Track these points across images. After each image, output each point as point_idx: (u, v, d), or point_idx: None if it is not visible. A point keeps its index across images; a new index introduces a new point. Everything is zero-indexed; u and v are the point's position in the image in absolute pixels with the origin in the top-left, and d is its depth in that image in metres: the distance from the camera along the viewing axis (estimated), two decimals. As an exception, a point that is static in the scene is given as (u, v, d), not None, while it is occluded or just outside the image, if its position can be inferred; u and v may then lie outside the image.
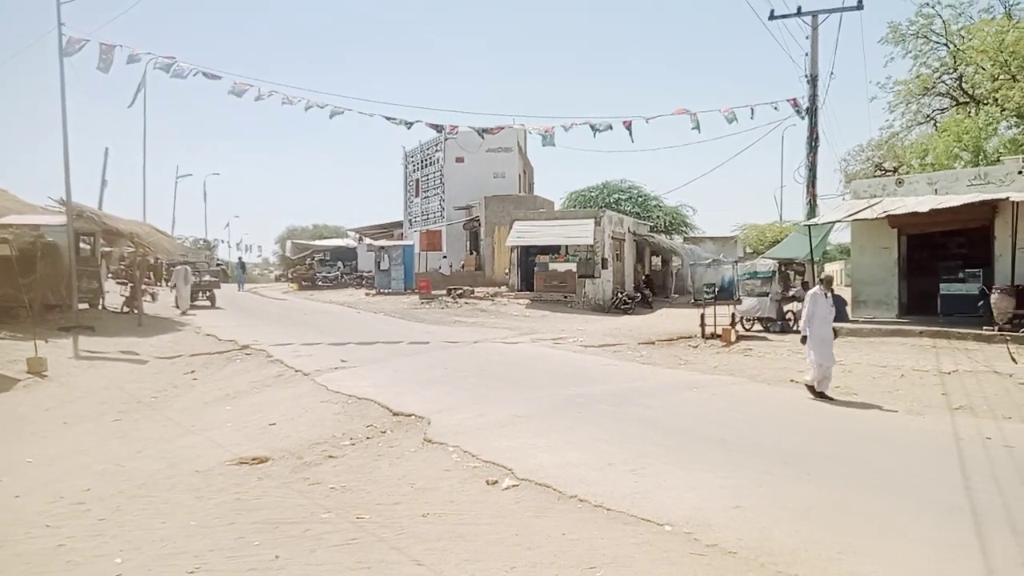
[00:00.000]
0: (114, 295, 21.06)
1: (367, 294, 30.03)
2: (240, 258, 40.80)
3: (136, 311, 18.07)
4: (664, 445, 6.40)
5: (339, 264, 41.27)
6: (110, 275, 23.80)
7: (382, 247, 32.27)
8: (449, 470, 5.84)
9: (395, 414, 7.77)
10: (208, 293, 24.78)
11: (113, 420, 8.62)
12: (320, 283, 36.80)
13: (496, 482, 5.45)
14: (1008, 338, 11.29)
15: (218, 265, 43.31)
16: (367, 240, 42.52)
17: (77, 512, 5.11)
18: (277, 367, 11.15)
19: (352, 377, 10.06)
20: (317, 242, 49.48)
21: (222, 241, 59.05)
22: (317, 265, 40.10)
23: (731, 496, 5.03)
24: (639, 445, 6.38)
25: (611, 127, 17.18)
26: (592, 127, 17.61)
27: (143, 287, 20.75)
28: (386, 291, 29.89)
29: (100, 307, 18.92)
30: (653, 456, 6.03)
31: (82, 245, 17.89)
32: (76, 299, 14.35)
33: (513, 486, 5.35)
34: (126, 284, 21.54)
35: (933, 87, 26.46)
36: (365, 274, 36.74)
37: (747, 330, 16.14)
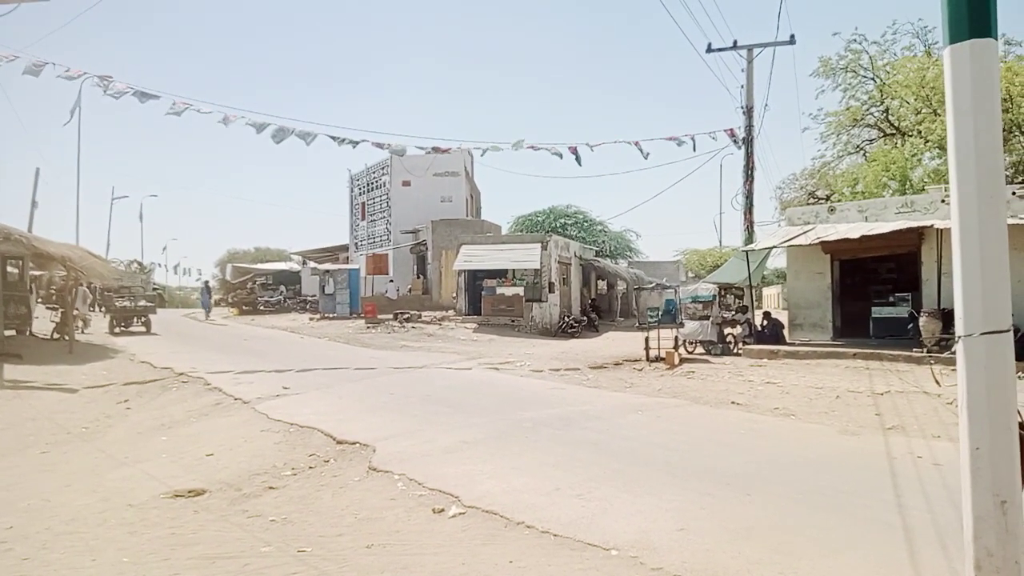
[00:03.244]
0: (44, 321, 20.17)
1: (311, 319, 29.51)
2: (206, 282, 38.76)
3: (67, 338, 17.33)
4: (610, 468, 6.44)
5: (282, 288, 40.47)
6: (39, 300, 22.79)
7: (327, 271, 31.82)
8: (394, 499, 5.75)
9: (339, 442, 7.62)
10: (143, 319, 23.95)
11: (40, 453, 8.20)
12: (262, 308, 36.02)
13: (442, 510, 5.38)
14: (932, 360, 11.78)
15: (155, 289, 41.99)
16: (311, 264, 41.92)
17: (-2, 552, 4.83)
18: (215, 395, 10.82)
19: (294, 405, 9.83)
20: (259, 265, 48.45)
21: (159, 265, 57.31)
22: (259, 289, 39.21)
23: (676, 519, 5.09)
24: (586, 469, 6.41)
25: (560, 155, 17.42)
26: (542, 149, 17.80)
27: (75, 313, 19.94)
28: (331, 315, 29.44)
29: (28, 334, 18.09)
30: (600, 480, 6.06)
31: (9, 269, 17.13)
32: (2, 325, 13.69)
33: (460, 514, 5.30)
34: (56, 310, 20.67)
35: (862, 119, 27.79)
36: (309, 298, 36.14)
37: (690, 353, 16.46)
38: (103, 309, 29.30)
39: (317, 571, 4.33)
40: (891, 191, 22.85)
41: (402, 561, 4.47)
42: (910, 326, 14.29)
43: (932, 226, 13.82)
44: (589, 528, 4.91)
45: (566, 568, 4.31)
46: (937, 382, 10.66)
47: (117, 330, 22.74)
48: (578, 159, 17.17)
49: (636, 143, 18.34)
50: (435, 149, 18.91)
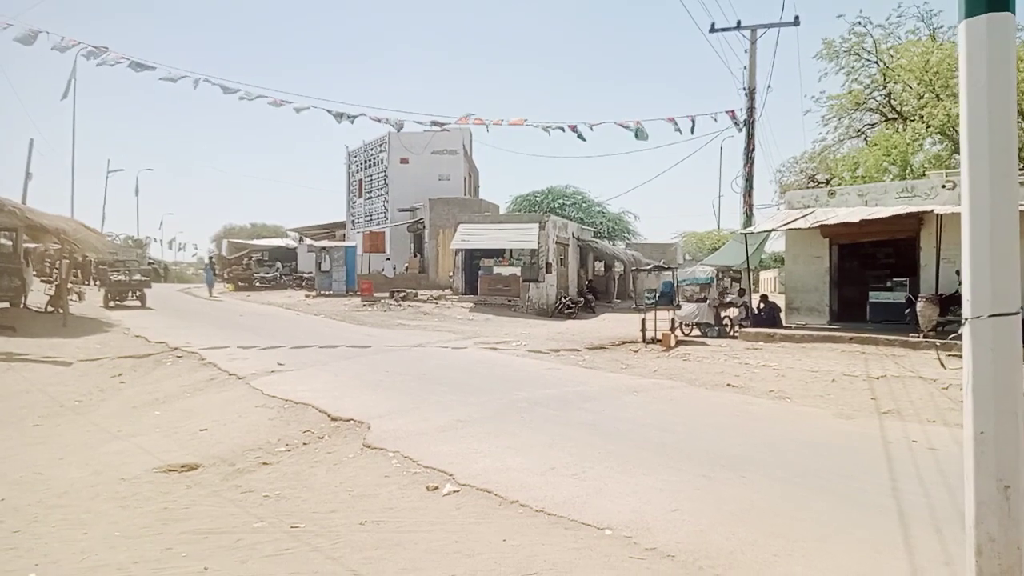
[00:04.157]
0: (38, 294, 20.06)
1: (307, 296, 29.44)
2: (211, 258, 37.92)
3: (61, 311, 17.24)
4: (605, 449, 6.42)
5: (278, 264, 40.31)
6: (35, 273, 22.63)
7: (323, 248, 31.70)
8: (388, 476, 5.72)
9: (333, 419, 7.58)
10: (138, 293, 23.85)
11: (33, 425, 8.17)
12: (258, 284, 35.91)
13: (436, 488, 5.36)
14: (938, 344, 11.78)
15: (150, 264, 41.84)
16: (308, 240, 41.75)
17: (-12, 524, 4.80)
18: (210, 370, 10.77)
19: (289, 381, 9.79)
20: (255, 241, 48.22)
21: (155, 239, 57.07)
22: (255, 265, 39.03)
23: (670, 499, 5.07)
24: (581, 449, 6.39)
25: (563, 128, 17.27)
26: (544, 128, 17.68)
27: (69, 286, 19.82)
28: (327, 293, 29.37)
29: (22, 306, 17.99)
30: (594, 460, 6.04)
31: (3, 241, 17.00)
32: (-6, 298, 13.60)
33: (454, 492, 5.28)
34: (50, 282, 20.55)
35: (864, 103, 27.61)
36: (305, 275, 36.04)
37: (686, 335, 16.45)
38: (98, 283, 29.18)
39: (310, 547, 4.30)
40: (892, 176, 22.76)
41: (395, 538, 4.45)
42: (907, 311, 14.27)
43: (932, 211, 13.75)
44: (583, 508, 4.89)
45: (559, 547, 4.29)
46: (943, 365, 10.66)
47: (112, 304, 22.64)
48: (580, 136, 17.04)
49: (636, 123, 18.19)
50: (434, 123, 18.72)
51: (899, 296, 15.14)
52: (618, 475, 5.65)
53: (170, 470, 5.97)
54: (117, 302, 23.12)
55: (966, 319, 2.56)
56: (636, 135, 17.68)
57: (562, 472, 5.69)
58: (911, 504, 5.03)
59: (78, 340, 13.96)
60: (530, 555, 4.17)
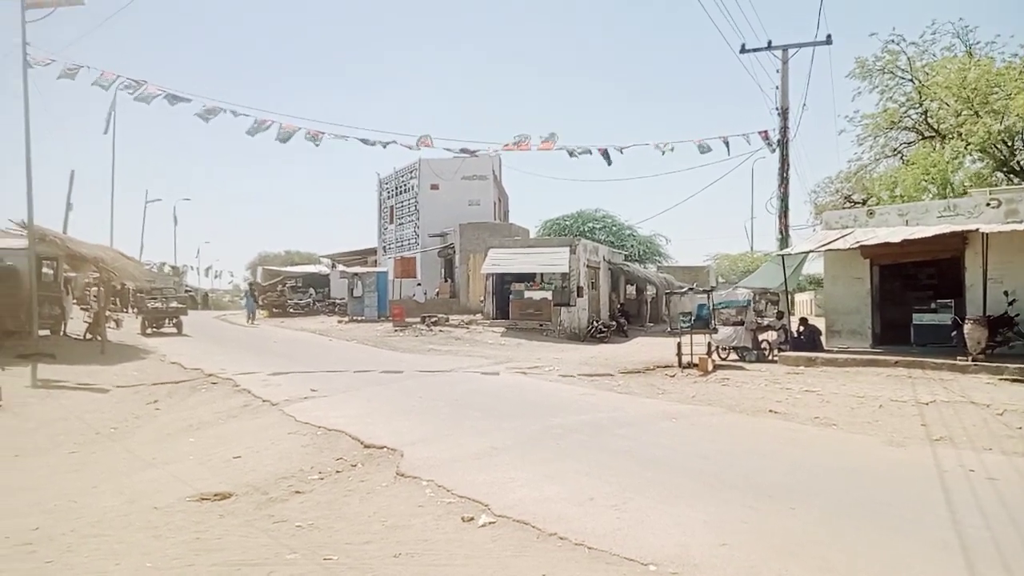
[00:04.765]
0: (78, 322, 20.45)
1: (340, 321, 29.62)
2: (251, 284, 38.18)
3: (99, 338, 17.52)
4: (645, 478, 6.21)
5: (311, 291, 40.75)
6: (74, 301, 23.12)
7: (355, 274, 31.93)
8: (423, 506, 5.58)
9: (366, 446, 7.49)
10: (175, 320, 24.20)
11: (69, 452, 8.22)
12: (292, 310, 36.26)
13: (472, 519, 5.20)
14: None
15: (187, 291, 42.56)
16: (340, 267, 42.17)
17: (22, 554, 4.76)
18: (244, 397, 10.79)
19: (322, 407, 9.74)
20: (289, 268, 48.91)
21: (191, 267, 58.11)
22: (288, 292, 39.50)
23: (716, 533, 4.85)
24: (619, 478, 6.18)
25: (590, 152, 17.20)
26: (569, 152, 17.64)
27: (107, 314, 20.18)
28: (359, 318, 29.51)
29: (62, 334, 18.34)
30: (634, 490, 5.83)
31: (44, 270, 17.38)
32: (36, 325, 13.85)
33: (490, 523, 5.11)
34: (88, 310, 20.94)
35: (899, 121, 27.12)
36: (338, 301, 36.31)
37: (723, 359, 16.10)
38: (135, 310, 29.72)
39: (343, 581, 4.18)
40: (931, 195, 22.22)
41: (430, 572, 4.31)
42: (953, 333, 13.77)
43: (977, 230, 13.30)
44: (625, 541, 4.70)
45: (602, 583, 4.10)
46: None
47: (149, 331, 22.99)
48: (608, 159, 16.94)
49: (667, 145, 18.07)
50: (464, 151, 18.82)
51: (944, 318, 14.64)
52: (660, 506, 5.43)
53: (203, 499, 5.91)
54: (154, 329, 23.47)
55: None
56: (662, 152, 17.55)
57: (601, 503, 5.49)
58: (974, 539, 4.74)
59: (115, 367, 14.13)
60: (571, 591, 3.99)
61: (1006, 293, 13.58)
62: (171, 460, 7.52)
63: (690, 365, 14.70)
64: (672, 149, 18.52)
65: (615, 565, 4.36)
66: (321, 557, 4.55)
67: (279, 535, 5.01)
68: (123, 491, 6.35)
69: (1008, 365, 12.24)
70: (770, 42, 19.19)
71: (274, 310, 35.65)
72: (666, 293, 26.30)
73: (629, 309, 30.69)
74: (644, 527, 4.97)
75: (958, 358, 12.99)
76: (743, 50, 19.42)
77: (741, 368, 14.83)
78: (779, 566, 4.28)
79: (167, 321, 24.18)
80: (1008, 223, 13.59)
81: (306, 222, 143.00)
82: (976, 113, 23.38)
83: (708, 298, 16.43)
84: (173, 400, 11.15)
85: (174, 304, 25.47)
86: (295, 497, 5.96)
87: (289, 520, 5.34)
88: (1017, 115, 21.80)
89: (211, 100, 15.55)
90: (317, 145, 15.46)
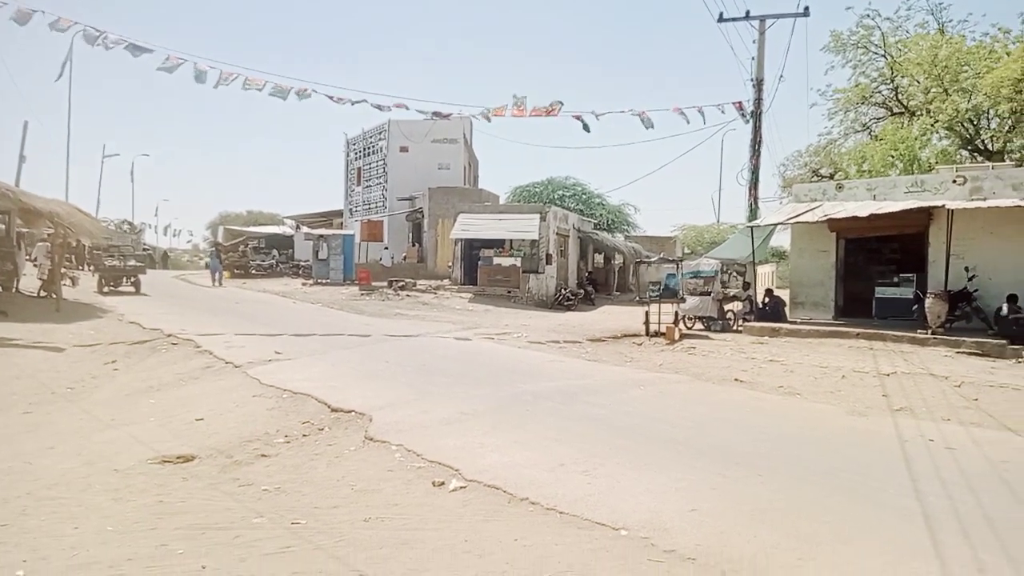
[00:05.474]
0: (31, 278, 19.78)
1: (304, 284, 29.16)
2: (216, 245, 36.71)
3: (54, 296, 16.98)
4: (615, 445, 6.22)
5: (274, 252, 40.01)
6: (28, 258, 22.32)
7: (321, 236, 31.38)
8: (392, 470, 5.51)
9: (334, 410, 7.37)
10: (133, 279, 23.57)
11: (23, 412, 7.93)
12: (254, 271, 35.56)
13: (443, 483, 5.15)
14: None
15: (145, 250, 41.52)
16: (305, 228, 41.43)
17: (-27, 517, 4.58)
18: (205, 358, 10.54)
19: (287, 370, 9.57)
20: (251, 228, 47.91)
21: (149, 225, 56.53)
22: (251, 253, 38.72)
23: (686, 498, 4.88)
24: (590, 444, 6.19)
25: (577, 119, 16.97)
26: (546, 113, 17.37)
27: (63, 271, 19.53)
28: (324, 281, 29.10)
29: (15, 290, 17.73)
30: (604, 456, 5.84)
31: (-5, 224, 16.72)
32: (-14, 281, 13.34)
33: (461, 488, 5.07)
34: (41, 267, 20.23)
35: (870, 96, 27.36)
36: (302, 263, 35.73)
37: (689, 328, 16.26)
38: (92, 268, 28.88)
39: (312, 545, 4.09)
40: (898, 170, 22.53)
41: (401, 536, 4.24)
42: (915, 307, 14.08)
43: (943, 206, 13.54)
44: (596, 506, 4.70)
45: (574, 548, 4.09)
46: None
47: (106, 290, 22.37)
48: (585, 126, 16.79)
49: (642, 113, 17.95)
50: (436, 114, 18.48)
51: (906, 292, 14.95)
52: (630, 472, 5.45)
53: (165, 461, 5.76)
54: (111, 288, 22.83)
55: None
56: (644, 124, 17.44)
57: (572, 468, 5.49)
58: (935, 507, 4.84)
59: (71, 326, 13.71)
60: (543, 556, 3.97)
61: (967, 269, 13.90)
62: (131, 421, 7.32)
63: (657, 334, 14.81)
64: (651, 125, 18.42)
65: (587, 530, 4.35)
66: (289, 521, 4.46)
67: (245, 499, 4.90)
68: (81, 453, 6.16)
69: (966, 339, 12.58)
70: (748, 12, 19.10)
71: (236, 271, 34.88)
72: (636, 262, 26.42)
73: (597, 277, 30.82)
74: (615, 493, 4.97)
75: (918, 331, 13.30)
76: (721, 19, 19.31)
77: (707, 338, 14.99)
78: (748, 531, 4.32)
79: (125, 280, 23.52)
80: (973, 200, 13.85)
81: (270, 182, 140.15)
82: (945, 91, 23.68)
83: (677, 268, 16.51)
84: (132, 360, 10.85)
85: (132, 263, 24.74)
86: (260, 460, 5.84)
87: (255, 484, 5.23)
88: (985, 94, 22.14)
89: (173, 51, 14.96)
90: (284, 99, 15.00)
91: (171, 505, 4.76)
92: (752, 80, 19.04)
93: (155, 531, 4.29)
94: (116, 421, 7.36)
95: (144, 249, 42.35)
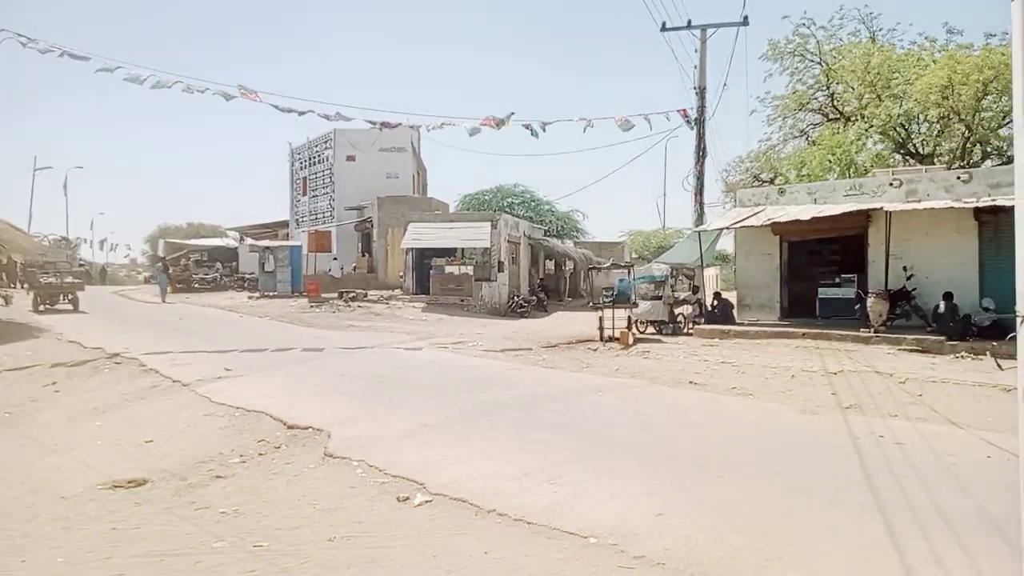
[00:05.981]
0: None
1: (250, 297, 28.50)
2: (163, 260, 35.31)
3: (-15, 316, 16.21)
4: (579, 452, 6.24)
5: (218, 265, 38.96)
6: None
7: (267, 247, 30.74)
8: (354, 487, 5.41)
9: (290, 427, 7.21)
10: (70, 296, 22.67)
11: (-44, 440, 7.54)
12: (197, 285, 34.63)
13: (407, 498, 5.08)
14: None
15: (81, 266, 39.97)
16: (249, 240, 40.52)
17: (-92, 554, 4.31)
18: (152, 377, 10.20)
19: (239, 387, 9.32)
20: (193, 241, 46.56)
21: (85, 240, 54.35)
22: (193, 266, 37.64)
23: (652, 503, 4.92)
24: (554, 453, 6.19)
25: (526, 128, 17.02)
26: (495, 120, 17.37)
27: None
28: (271, 294, 28.50)
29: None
30: (569, 464, 5.85)
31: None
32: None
33: (426, 502, 5.01)
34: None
35: (808, 103, 28.27)
36: (247, 276, 34.93)
37: (642, 332, 16.46)
38: (26, 286, 27.66)
39: (277, 568, 3.99)
40: (835, 174, 23.32)
41: (368, 554, 4.17)
42: (857, 306, 14.57)
43: (882, 208, 14.07)
44: (564, 515, 4.70)
45: (545, 558, 4.08)
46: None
47: (42, 308, 21.47)
48: (534, 133, 16.89)
49: (589, 121, 18.14)
50: (384, 124, 18.32)
51: (848, 292, 15.46)
52: (595, 479, 5.47)
53: (116, 486, 5.53)
54: (48, 306, 21.93)
55: (1021, 317, 2.43)
56: (584, 130, 17.67)
57: (538, 478, 5.48)
58: (890, 501, 4.99)
59: (5, 347, 13.11)
60: (515, 568, 3.95)
61: (905, 268, 14.44)
62: (76, 445, 7.03)
63: (611, 339, 14.95)
64: (592, 126, 18.60)
65: (556, 539, 4.35)
66: (251, 544, 4.33)
67: (203, 523, 4.74)
68: (24, 480, 5.88)
69: (906, 336, 13.07)
70: (690, 21, 19.56)
71: (178, 285, 33.87)
72: (588, 268, 26.63)
73: (548, 284, 30.93)
74: (582, 500, 4.98)
75: (861, 330, 13.75)
76: (663, 28, 19.70)
77: (659, 341, 15.20)
78: (715, 533, 4.38)
79: (62, 297, 22.64)
80: (909, 202, 14.42)
81: (211, 193, 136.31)
82: (878, 97, 24.65)
83: (629, 273, 16.71)
84: (74, 382, 10.43)
85: (69, 279, 23.83)
86: (216, 482, 5.67)
87: (212, 506, 5.07)
88: (915, 100, 23.14)
89: (110, 59, 14.46)
90: (227, 100, 14.64)
91: (125, 532, 4.58)
92: (695, 88, 19.48)
93: (110, 560, 4.12)
94: (61, 445, 7.05)
95: (81, 265, 40.69)
